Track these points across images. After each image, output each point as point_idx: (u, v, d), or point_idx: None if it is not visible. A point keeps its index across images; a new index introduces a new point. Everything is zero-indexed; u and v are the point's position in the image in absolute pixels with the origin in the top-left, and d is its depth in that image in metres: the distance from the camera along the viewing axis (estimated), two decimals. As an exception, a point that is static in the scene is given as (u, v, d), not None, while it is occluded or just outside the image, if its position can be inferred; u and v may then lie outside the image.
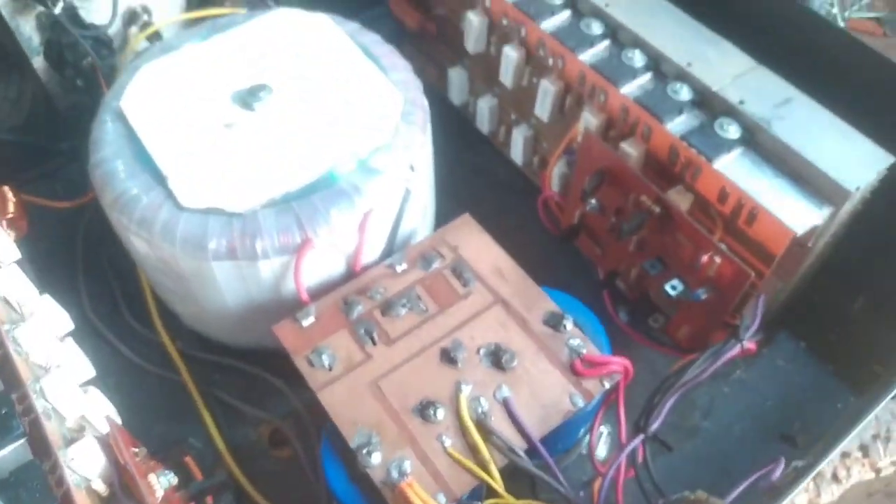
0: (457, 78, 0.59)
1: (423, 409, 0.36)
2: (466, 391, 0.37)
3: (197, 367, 0.49)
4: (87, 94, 0.56)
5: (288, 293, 0.42)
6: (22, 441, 0.34)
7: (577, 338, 0.39)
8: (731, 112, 0.44)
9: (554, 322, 0.39)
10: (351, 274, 0.42)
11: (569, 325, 0.39)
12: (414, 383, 0.38)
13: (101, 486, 0.34)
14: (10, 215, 0.46)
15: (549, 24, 0.50)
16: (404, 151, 0.43)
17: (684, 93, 0.45)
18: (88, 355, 0.45)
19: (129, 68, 0.47)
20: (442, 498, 0.34)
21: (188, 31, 0.50)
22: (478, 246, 0.43)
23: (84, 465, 0.34)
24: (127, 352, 0.50)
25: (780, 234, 0.40)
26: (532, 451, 0.36)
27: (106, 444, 0.35)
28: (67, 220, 0.56)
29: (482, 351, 0.39)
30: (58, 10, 0.52)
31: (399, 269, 0.42)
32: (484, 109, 0.57)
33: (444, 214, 0.49)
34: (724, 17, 0.49)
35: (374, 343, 0.39)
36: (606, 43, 0.49)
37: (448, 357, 0.38)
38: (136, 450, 0.37)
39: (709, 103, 0.45)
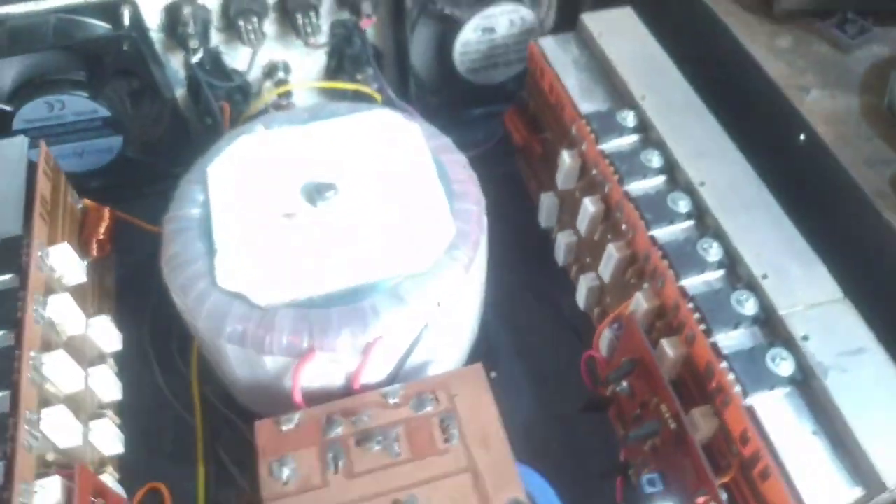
0: (547, 203, 0.58)
1: (351, 558, 0.36)
2: (402, 555, 0.37)
3: (213, 417, 0.52)
4: (214, 131, 0.61)
5: (289, 389, 0.43)
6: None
7: (532, 537, 0.37)
8: (790, 345, 0.40)
9: (516, 511, 0.38)
10: (350, 390, 0.43)
11: (529, 519, 0.38)
12: (354, 526, 0.38)
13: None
14: (99, 237, 0.52)
15: (636, 187, 0.48)
16: (436, 285, 0.43)
17: (749, 306, 0.42)
18: (129, 377, 0.50)
19: (231, 135, 0.51)
20: None
21: (291, 114, 0.53)
22: (476, 404, 0.42)
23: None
24: (161, 381, 0.54)
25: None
26: None
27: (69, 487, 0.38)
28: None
29: (432, 517, 0.38)
30: (195, 59, 0.57)
31: (391, 401, 0.42)
32: (561, 243, 0.56)
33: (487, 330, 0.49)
34: (826, 232, 0.45)
35: (336, 471, 0.39)
36: (688, 224, 0.46)
37: (397, 511, 0.38)
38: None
39: (771, 326, 0.41)
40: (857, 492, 0.36)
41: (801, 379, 0.39)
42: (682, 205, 0.46)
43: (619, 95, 0.53)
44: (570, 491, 0.46)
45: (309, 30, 0.59)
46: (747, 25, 0.89)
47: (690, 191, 0.47)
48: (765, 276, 0.42)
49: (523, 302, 0.59)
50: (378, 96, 0.62)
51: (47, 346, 0.42)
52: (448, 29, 0.62)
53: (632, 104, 0.52)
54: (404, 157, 0.49)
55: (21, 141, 0.49)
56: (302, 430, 0.41)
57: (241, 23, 0.58)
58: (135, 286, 0.58)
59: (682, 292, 0.43)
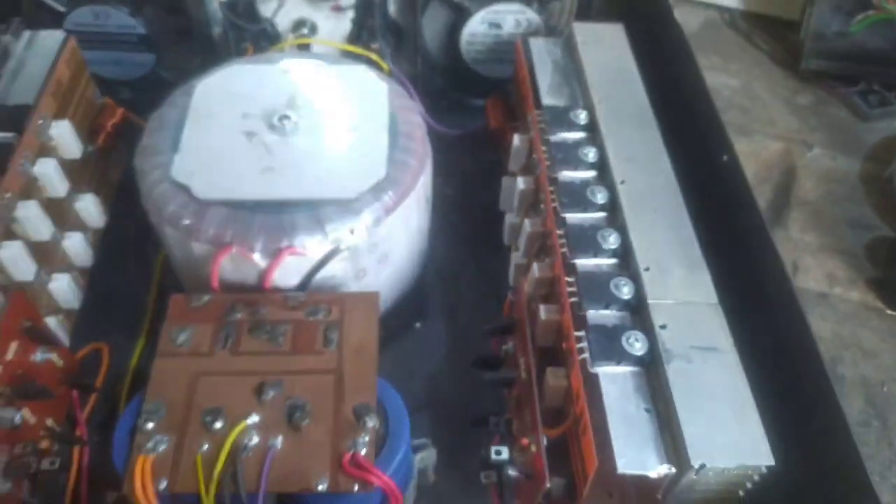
0: (505, 185, 0.62)
1: (209, 414, 0.42)
2: (250, 422, 0.42)
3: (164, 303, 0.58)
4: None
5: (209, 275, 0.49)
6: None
7: (366, 438, 0.42)
8: (648, 330, 0.43)
9: (361, 413, 0.42)
10: (260, 289, 0.49)
11: (370, 423, 0.42)
12: (221, 392, 0.43)
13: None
14: (107, 130, 0.60)
15: (564, 175, 0.52)
16: (354, 217, 0.49)
17: (624, 291, 0.45)
18: (109, 255, 0.57)
19: (230, 61, 0.58)
20: (162, 484, 0.39)
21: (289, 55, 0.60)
22: (362, 324, 0.47)
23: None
24: (132, 264, 0.61)
25: (589, 458, 0.39)
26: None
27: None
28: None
29: (289, 401, 0.43)
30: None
31: (290, 304, 0.48)
32: (507, 223, 0.60)
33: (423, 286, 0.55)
34: (725, 250, 0.48)
35: (224, 347, 0.45)
36: (599, 215, 0.50)
37: (261, 389, 0.43)
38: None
39: (639, 314, 0.45)
40: (666, 468, 0.39)
41: (648, 361, 0.42)
42: (599, 197, 0.50)
43: (581, 97, 0.57)
44: (445, 433, 0.51)
45: (332, -6, 0.66)
46: (768, 77, 0.91)
47: (611, 187, 0.51)
48: (647, 269, 0.46)
49: (464, 271, 0.63)
50: (386, 67, 0.69)
51: (26, 196, 0.50)
52: (458, 17, 0.68)
53: (588, 106, 0.56)
54: (364, 107, 0.54)
55: (60, 35, 0.58)
56: (207, 309, 0.47)
57: (273, -27, 0.65)
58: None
59: (570, 268, 0.47)
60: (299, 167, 0.51)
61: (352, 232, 0.49)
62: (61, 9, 0.64)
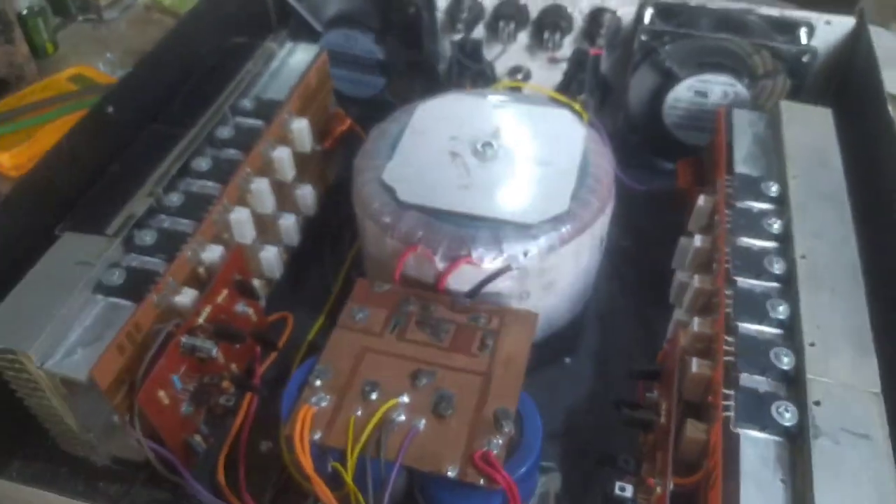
0: (681, 245, 0.63)
1: (368, 385, 0.47)
2: (401, 400, 0.46)
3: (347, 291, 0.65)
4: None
5: (394, 268, 0.55)
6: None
7: (500, 441, 0.44)
8: (801, 404, 0.42)
9: (500, 417, 0.45)
10: (435, 288, 0.54)
11: (506, 428, 0.45)
12: (382, 369, 0.48)
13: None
14: (335, 135, 0.69)
15: (743, 240, 0.52)
16: (530, 242, 0.53)
17: (783, 361, 0.44)
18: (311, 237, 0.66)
19: (450, 92, 0.65)
20: (317, 435, 0.45)
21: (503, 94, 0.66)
22: (517, 337, 0.50)
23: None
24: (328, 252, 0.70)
25: (713, 510, 0.39)
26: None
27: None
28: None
29: (438, 391, 0.47)
30: (457, 37, 0.72)
31: (457, 307, 0.52)
32: (676, 281, 0.61)
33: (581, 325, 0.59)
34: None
35: (392, 332, 0.51)
36: (771, 285, 0.49)
37: (416, 375, 0.48)
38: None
39: (795, 388, 0.44)
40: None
41: (794, 434, 0.42)
42: (776, 267, 0.50)
43: (776, 171, 0.57)
44: (572, 465, 0.53)
45: (551, 45, 0.72)
46: None
47: (790, 260, 0.50)
48: (812, 344, 0.45)
49: (624, 320, 0.64)
50: (587, 116, 0.72)
51: (261, 174, 0.59)
52: (666, 81, 0.70)
53: (781, 180, 0.56)
54: (559, 146, 0.59)
55: (315, 48, 0.68)
56: (386, 296, 0.53)
57: (501, 23, 0.72)
58: (345, 185, 0.75)
59: (731, 328, 0.47)
60: (491, 189, 0.56)
61: (525, 254, 0.52)
62: (320, 29, 0.75)
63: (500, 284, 0.53)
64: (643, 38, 0.68)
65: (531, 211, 0.54)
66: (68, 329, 0.46)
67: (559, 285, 0.56)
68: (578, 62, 0.74)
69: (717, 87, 0.69)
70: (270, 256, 0.61)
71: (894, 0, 1.01)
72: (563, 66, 0.76)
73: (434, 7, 0.74)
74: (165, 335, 0.47)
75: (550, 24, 0.71)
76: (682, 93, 0.70)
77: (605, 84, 0.76)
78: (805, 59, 0.66)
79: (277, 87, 0.64)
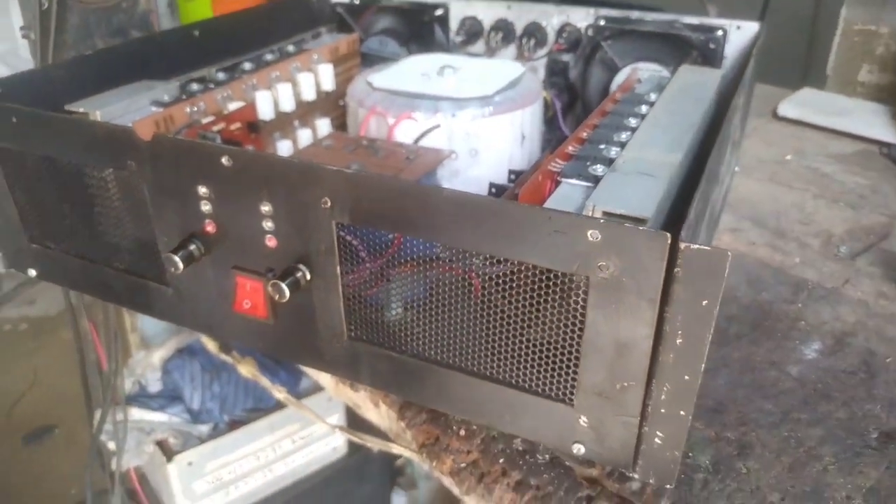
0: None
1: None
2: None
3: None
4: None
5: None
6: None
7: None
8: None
9: (401, 184, 0.62)
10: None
11: (403, 188, 0.62)
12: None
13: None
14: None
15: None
16: (458, 112, 0.72)
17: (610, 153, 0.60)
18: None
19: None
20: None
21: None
22: (434, 156, 0.68)
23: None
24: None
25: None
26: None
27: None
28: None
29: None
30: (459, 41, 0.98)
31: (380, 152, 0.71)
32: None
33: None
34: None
35: (345, 151, 0.70)
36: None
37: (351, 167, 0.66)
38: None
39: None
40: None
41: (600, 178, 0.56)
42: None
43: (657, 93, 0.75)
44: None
45: (527, 52, 0.95)
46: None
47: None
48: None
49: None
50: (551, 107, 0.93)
51: (286, 80, 0.83)
52: (608, 71, 0.90)
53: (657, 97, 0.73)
54: (501, 73, 0.79)
55: (348, 35, 0.95)
56: (348, 137, 0.73)
57: (492, 34, 0.97)
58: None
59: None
60: (440, 84, 0.77)
61: (453, 115, 0.72)
62: (362, 36, 1.03)
63: (435, 141, 0.72)
64: (590, 33, 0.90)
65: (463, 92, 0.74)
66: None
67: (481, 156, 0.74)
68: (550, 66, 0.96)
69: (646, 73, 0.88)
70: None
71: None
72: (542, 73, 0.98)
73: (447, 23, 1.00)
74: (189, 124, 0.69)
75: (528, 35, 0.95)
76: (622, 78, 0.90)
77: (572, 89, 0.97)
78: (711, 45, 0.85)
79: (317, 45, 0.90)
